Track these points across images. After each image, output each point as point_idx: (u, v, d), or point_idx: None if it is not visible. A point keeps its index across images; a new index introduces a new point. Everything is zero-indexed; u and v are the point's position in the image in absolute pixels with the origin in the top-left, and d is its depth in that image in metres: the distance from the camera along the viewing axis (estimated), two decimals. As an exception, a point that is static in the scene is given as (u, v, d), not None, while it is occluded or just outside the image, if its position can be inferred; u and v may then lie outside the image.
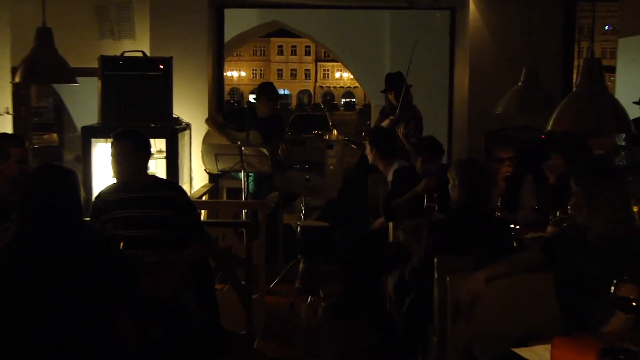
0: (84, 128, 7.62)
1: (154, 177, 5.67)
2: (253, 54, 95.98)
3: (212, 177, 8.95)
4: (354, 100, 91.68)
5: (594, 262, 4.08)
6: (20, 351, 3.62)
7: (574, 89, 4.75)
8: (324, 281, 7.92)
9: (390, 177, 7.20)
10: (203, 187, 8.72)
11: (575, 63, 9.23)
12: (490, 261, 4.61)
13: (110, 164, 5.26)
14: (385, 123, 8.79)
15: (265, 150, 8.07)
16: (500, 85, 7.29)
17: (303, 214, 8.29)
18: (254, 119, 8.72)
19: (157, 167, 7.71)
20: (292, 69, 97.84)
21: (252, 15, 16.98)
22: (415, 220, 6.18)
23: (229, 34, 11.54)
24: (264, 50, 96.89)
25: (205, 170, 8.64)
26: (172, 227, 5.11)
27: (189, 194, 6.29)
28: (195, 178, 8.74)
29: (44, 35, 6.26)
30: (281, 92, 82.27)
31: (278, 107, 9.63)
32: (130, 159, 5.17)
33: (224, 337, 5.71)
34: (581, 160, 5.95)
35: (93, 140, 7.49)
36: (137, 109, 7.62)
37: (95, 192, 5.97)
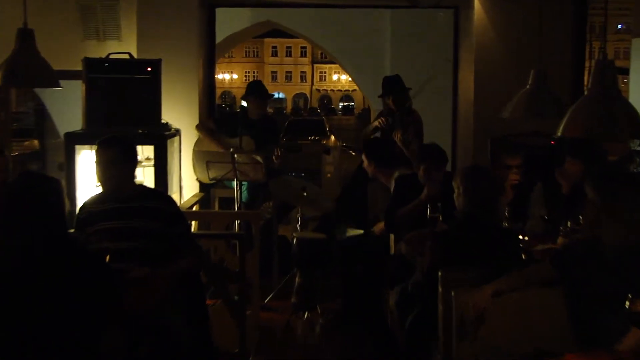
0: (67, 134, 7.61)
1: (141, 186, 5.67)
2: (246, 55, 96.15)
3: (203, 186, 8.94)
4: (353, 104, 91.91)
5: (608, 276, 4.08)
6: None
7: (586, 92, 4.76)
8: (321, 296, 7.91)
9: (392, 187, 7.20)
10: (193, 196, 8.72)
11: (587, 64, 9.23)
12: (498, 275, 4.62)
13: (95, 173, 5.25)
14: (376, 123, 8.83)
15: (259, 158, 8.07)
16: (508, 88, 7.31)
17: (299, 225, 8.28)
18: (246, 123, 8.70)
19: (145, 175, 7.71)
20: (287, 71, 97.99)
21: (245, 15, 16.97)
22: (418, 232, 6.18)
23: (220, 34, 11.52)
24: (257, 52, 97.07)
25: (196, 179, 8.64)
26: (161, 239, 5.10)
27: (178, 204, 6.29)
28: (185, 187, 8.73)
29: (25, 37, 6.25)
30: (276, 95, 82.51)
31: (271, 110, 9.63)
32: (117, 168, 5.15)
33: (215, 355, 5.69)
34: (598, 165, 5.95)
35: (77, 147, 7.48)
36: (124, 114, 7.62)
37: (80, 202, 5.95)
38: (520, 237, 5.84)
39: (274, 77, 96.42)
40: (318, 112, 71.39)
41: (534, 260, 5.36)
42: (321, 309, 7.81)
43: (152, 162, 7.61)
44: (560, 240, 5.63)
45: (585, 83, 8.60)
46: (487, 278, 4.63)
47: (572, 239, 5.37)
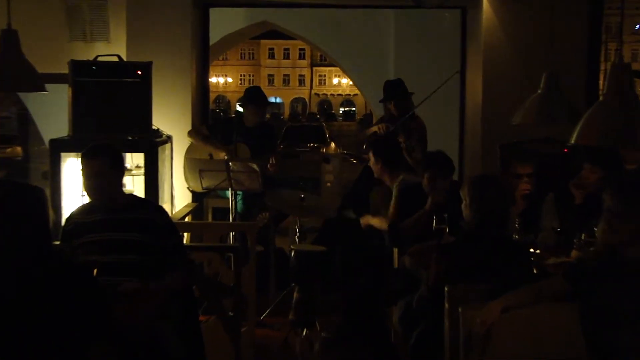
0: (52, 141, 7.61)
1: (131, 196, 5.67)
2: (241, 57, 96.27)
3: (196, 196, 8.95)
4: (354, 109, 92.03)
5: (626, 291, 4.08)
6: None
7: (601, 97, 4.77)
8: (320, 312, 7.90)
9: (395, 192, 7.21)
10: (186, 207, 8.72)
11: (602, 67, 9.23)
12: (507, 289, 4.61)
13: (81, 182, 5.26)
14: (375, 128, 8.83)
15: (255, 166, 8.06)
16: (518, 92, 7.33)
17: (297, 237, 8.28)
18: (242, 130, 8.71)
19: (135, 184, 7.72)
20: (284, 75, 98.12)
21: (240, 15, 16.99)
22: (423, 244, 6.18)
23: (214, 35, 11.53)
24: (253, 54, 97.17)
25: (188, 188, 8.64)
26: (152, 251, 5.10)
27: (170, 214, 6.29)
28: (177, 197, 8.74)
29: (9, 38, 6.27)
30: (272, 100, 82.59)
31: (268, 116, 9.63)
32: (104, 178, 5.14)
33: (208, 375, 5.69)
34: (618, 173, 5.95)
35: (62, 154, 7.48)
36: (112, 119, 7.62)
37: (65, 213, 5.96)
38: (532, 250, 5.84)
39: (270, 81, 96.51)
40: (317, 118, 71.33)
41: (545, 274, 5.36)
42: (320, 326, 7.79)
43: (142, 171, 7.61)
44: (574, 253, 5.63)
45: (601, 87, 8.60)
46: (496, 293, 4.62)
47: (587, 252, 5.37)
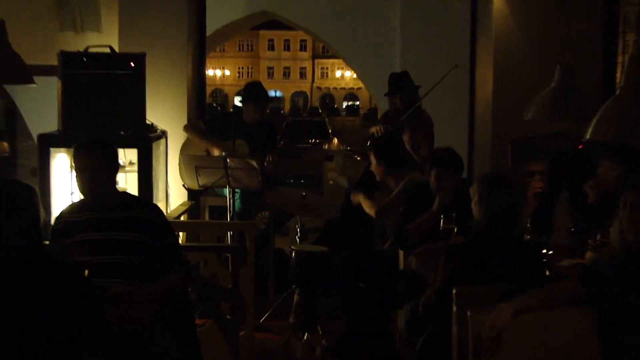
0: (40, 136, 7.61)
1: (124, 194, 5.67)
2: (239, 49, 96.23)
3: (192, 194, 8.95)
4: (358, 103, 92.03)
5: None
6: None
7: (618, 91, 4.78)
8: (322, 316, 7.91)
9: (400, 187, 7.21)
10: (181, 205, 8.73)
11: (619, 59, 9.21)
12: (518, 292, 4.62)
13: (72, 179, 5.27)
14: (374, 129, 8.82)
15: (254, 163, 8.07)
16: (530, 85, 7.33)
17: (298, 237, 8.30)
18: (240, 126, 8.71)
19: (128, 181, 7.72)
20: (284, 67, 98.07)
21: (238, 4, 16.98)
22: (430, 245, 6.19)
23: (211, 26, 11.54)
24: (251, 45, 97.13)
25: (183, 185, 8.65)
26: (146, 252, 5.11)
27: (165, 213, 6.30)
28: (172, 195, 8.74)
29: (-4, 28, 6.28)
30: (272, 94, 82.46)
31: (268, 111, 9.63)
32: (96, 174, 5.15)
33: (205, 381, 5.71)
34: (638, 169, 5.96)
35: (52, 150, 7.48)
36: (104, 113, 7.61)
37: (55, 212, 5.98)
38: (544, 251, 5.85)
39: (270, 74, 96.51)
40: (319, 113, 71.45)
41: (559, 276, 5.37)
42: (322, 330, 7.81)
43: (136, 167, 7.62)
44: (588, 254, 5.64)
45: (617, 80, 8.60)
46: (507, 296, 4.63)
47: (602, 253, 5.38)
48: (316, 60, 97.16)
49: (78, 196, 5.34)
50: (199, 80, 9.77)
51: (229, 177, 8.06)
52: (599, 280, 4.34)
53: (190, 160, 8.29)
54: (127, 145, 7.52)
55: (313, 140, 29.73)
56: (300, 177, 16.56)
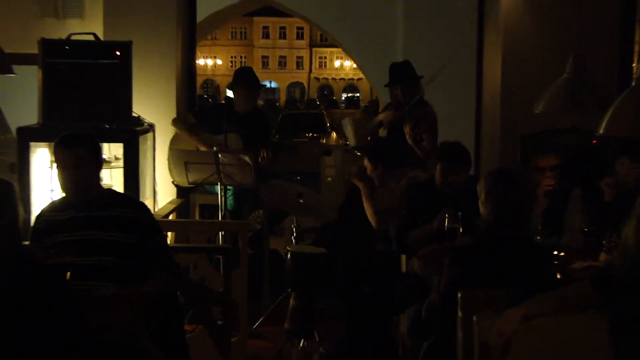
0: (20, 129, 7.61)
1: (109, 191, 5.66)
2: (232, 37, 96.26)
3: (182, 192, 8.95)
4: (358, 95, 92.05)
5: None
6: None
7: (633, 83, 4.78)
8: (320, 321, 7.93)
9: (401, 192, 7.20)
10: (170, 203, 8.73)
11: (636, 48, 9.21)
12: (528, 296, 4.63)
13: (53, 175, 5.26)
14: (381, 116, 8.80)
15: (247, 158, 8.06)
16: (541, 77, 7.33)
17: (294, 238, 8.30)
18: (232, 118, 8.69)
19: (113, 178, 7.73)
20: (280, 56, 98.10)
21: (231, -11, 16.98)
22: (435, 246, 6.19)
23: (202, 12, 11.54)
24: (245, 33, 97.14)
25: (172, 182, 8.64)
26: (131, 253, 5.12)
27: (152, 212, 6.30)
28: (160, 192, 8.74)
29: (-28, 14, 6.28)
30: (267, 84, 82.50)
31: (261, 102, 9.61)
32: (79, 171, 5.14)
33: (195, 390, 5.72)
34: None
35: (31, 144, 7.48)
36: (87, 105, 7.61)
37: (35, 210, 5.97)
38: (555, 252, 5.85)
39: (265, 63, 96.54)
40: (317, 105, 71.39)
41: (571, 279, 5.38)
42: (320, 336, 7.82)
43: (121, 163, 7.62)
44: (602, 256, 5.65)
45: (634, 71, 8.61)
46: (515, 300, 4.64)
47: (618, 255, 5.38)
48: (314, 49, 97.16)
49: (59, 194, 5.33)
50: (189, 70, 9.76)
51: (220, 173, 8.05)
52: (614, 284, 4.34)
53: (180, 156, 8.28)
54: (112, 139, 7.53)
55: (310, 134, 29.68)
56: (297, 173, 16.57)
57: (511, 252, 5.16)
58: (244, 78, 9.01)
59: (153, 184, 8.42)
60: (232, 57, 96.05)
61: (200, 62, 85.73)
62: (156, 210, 8.29)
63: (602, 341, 4.34)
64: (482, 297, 4.90)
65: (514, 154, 8.24)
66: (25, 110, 8.63)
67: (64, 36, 7.93)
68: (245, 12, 21.23)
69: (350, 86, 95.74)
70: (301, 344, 7.80)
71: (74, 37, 7.88)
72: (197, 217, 9.19)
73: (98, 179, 5.34)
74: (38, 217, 5.38)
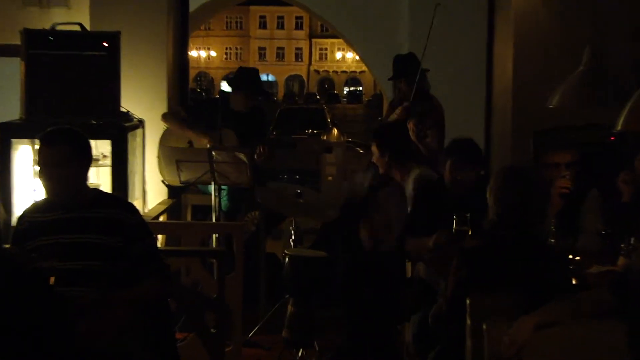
0: (1, 125, 7.61)
1: (96, 191, 5.65)
2: (227, 27, 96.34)
3: (173, 191, 8.95)
4: (361, 89, 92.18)
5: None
6: None
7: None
8: (319, 329, 7.92)
9: (410, 187, 7.17)
10: (160, 204, 8.73)
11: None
12: (541, 303, 4.62)
13: (36, 173, 5.25)
14: (397, 113, 8.73)
15: (242, 156, 8.06)
16: (556, 70, 7.32)
17: (292, 240, 8.30)
18: (227, 114, 8.69)
19: (100, 177, 7.72)
20: (278, 48, 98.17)
21: (226, -24, 16.99)
22: (442, 249, 6.18)
23: (194, 1, 11.56)
24: (240, 23, 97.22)
25: (163, 182, 8.64)
26: (120, 257, 5.10)
27: (142, 212, 6.30)
28: (151, 192, 8.75)
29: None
30: (264, 78, 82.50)
31: (260, 97, 9.61)
32: (64, 170, 5.11)
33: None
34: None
35: (13, 141, 7.49)
36: (73, 100, 7.62)
37: (17, 211, 5.97)
38: (570, 256, 5.84)
39: (261, 55, 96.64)
40: (317, 99, 71.55)
41: (587, 285, 5.37)
42: (320, 345, 7.82)
43: (109, 161, 7.62)
44: (621, 260, 5.64)
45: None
46: (528, 307, 4.63)
47: (637, 258, 5.38)
48: (314, 40, 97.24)
49: (43, 193, 5.31)
50: (181, 62, 9.76)
51: (214, 172, 8.05)
52: (633, 290, 4.33)
53: (171, 153, 8.28)
54: (99, 136, 7.52)
55: (310, 131, 29.72)
56: (296, 171, 16.58)
57: (521, 255, 5.14)
58: (246, 81, 8.99)
59: (142, 184, 8.42)
60: (227, 49, 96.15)
61: (193, 53, 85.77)
62: (146, 211, 8.29)
63: (620, 351, 4.33)
64: (492, 303, 4.89)
65: (527, 151, 8.22)
66: (7, 104, 8.64)
67: (48, 26, 7.94)
68: (240, 0, 21.26)
69: (353, 79, 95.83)
70: (300, 354, 7.80)
71: (58, 27, 7.88)
72: (189, 218, 9.19)
73: (84, 178, 5.30)
74: (20, 218, 5.36)
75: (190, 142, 8.63)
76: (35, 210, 5.31)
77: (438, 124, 8.58)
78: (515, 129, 8.99)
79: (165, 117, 8.78)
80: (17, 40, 7.69)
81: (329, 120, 33.91)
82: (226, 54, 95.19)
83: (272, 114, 31.04)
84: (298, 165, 16.96)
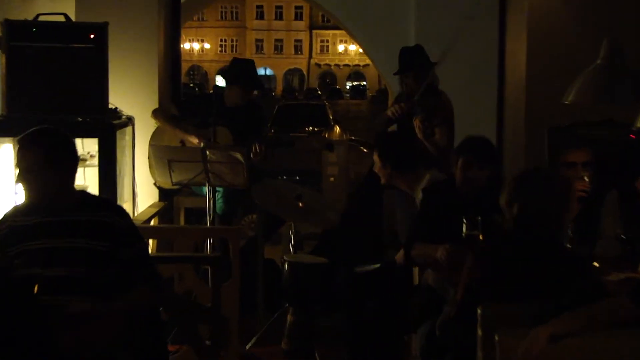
0: (-20, 123, 7.63)
1: (82, 193, 5.65)
2: (221, 17, 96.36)
3: (164, 194, 8.96)
4: (364, 83, 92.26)
5: None
6: None
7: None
8: (321, 340, 7.93)
9: (420, 195, 7.14)
10: (151, 207, 8.74)
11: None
12: (557, 312, 4.62)
13: (17, 175, 5.22)
14: (391, 110, 8.70)
15: (239, 156, 8.05)
16: (572, 64, 7.32)
17: (292, 246, 8.30)
18: (222, 110, 8.68)
19: (87, 178, 7.72)
20: (276, 40, 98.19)
21: (221, -36, 16.98)
22: (451, 253, 6.17)
23: (187, -10, 11.58)
24: (236, 13, 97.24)
25: (154, 183, 8.64)
26: (108, 263, 5.10)
27: (131, 216, 6.30)
28: (141, 194, 8.74)
29: None
30: (261, 72, 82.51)
31: (256, 92, 9.61)
32: (46, 172, 5.09)
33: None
34: None
35: (-6, 139, 7.51)
36: (57, 95, 7.62)
37: (-1, 214, 5.95)
38: (589, 262, 5.84)
39: (259, 48, 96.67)
40: (318, 95, 71.59)
41: (605, 293, 5.37)
42: (321, 356, 7.83)
43: (96, 161, 7.62)
44: (642, 267, 5.65)
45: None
46: (542, 316, 4.63)
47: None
48: (314, 32, 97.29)
49: (25, 197, 5.30)
50: (172, 55, 9.77)
51: (208, 172, 8.05)
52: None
53: (162, 153, 8.27)
54: (85, 134, 7.53)
55: (310, 128, 29.73)
56: (296, 172, 16.57)
57: (539, 262, 5.14)
58: (242, 76, 8.97)
59: (132, 185, 8.42)
60: (221, 41, 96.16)
61: (186, 46, 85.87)
62: (136, 214, 8.29)
63: (641, 363, 4.34)
64: (504, 313, 4.89)
65: (541, 149, 8.21)
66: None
67: (30, 17, 7.93)
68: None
69: (356, 73, 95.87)
70: (300, 366, 7.82)
71: (42, 18, 7.88)
72: (182, 222, 9.19)
73: (71, 179, 5.28)
74: (1, 222, 5.34)
75: (182, 142, 8.63)
76: (17, 214, 5.28)
77: (447, 120, 8.53)
78: (528, 126, 8.99)
79: (155, 113, 8.79)
80: (-3, 32, 7.69)
81: (330, 117, 33.98)
82: (221, 46, 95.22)
83: (270, 111, 31.02)
84: (298, 165, 16.94)
